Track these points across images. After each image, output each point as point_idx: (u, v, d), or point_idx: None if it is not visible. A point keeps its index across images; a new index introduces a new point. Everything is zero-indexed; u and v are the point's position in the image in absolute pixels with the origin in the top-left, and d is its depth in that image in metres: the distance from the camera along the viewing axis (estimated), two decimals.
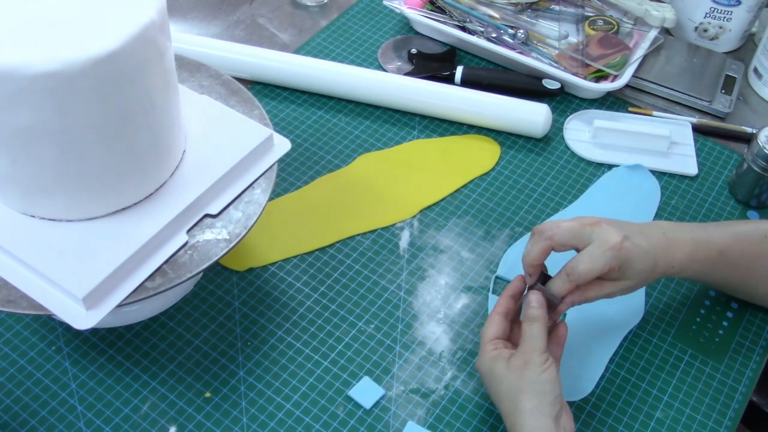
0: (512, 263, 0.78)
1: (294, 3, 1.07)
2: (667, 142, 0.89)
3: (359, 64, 0.97)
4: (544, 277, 0.66)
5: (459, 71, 0.94)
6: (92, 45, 0.52)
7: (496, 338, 0.64)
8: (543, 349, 0.61)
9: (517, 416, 0.59)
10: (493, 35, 0.97)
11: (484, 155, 0.89)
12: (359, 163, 0.86)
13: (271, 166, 0.68)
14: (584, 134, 0.91)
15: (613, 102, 0.96)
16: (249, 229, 0.64)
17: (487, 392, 0.64)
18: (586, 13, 1.04)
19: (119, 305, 0.58)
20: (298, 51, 0.99)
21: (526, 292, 0.66)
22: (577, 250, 0.64)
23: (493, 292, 0.75)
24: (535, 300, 0.63)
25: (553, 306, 0.65)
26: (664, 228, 0.67)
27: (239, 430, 0.65)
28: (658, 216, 0.84)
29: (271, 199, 0.67)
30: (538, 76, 0.94)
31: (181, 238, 0.62)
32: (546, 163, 0.88)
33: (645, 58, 0.99)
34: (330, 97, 0.93)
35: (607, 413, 0.68)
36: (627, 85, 0.95)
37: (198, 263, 0.61)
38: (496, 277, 0.77)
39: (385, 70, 0.96)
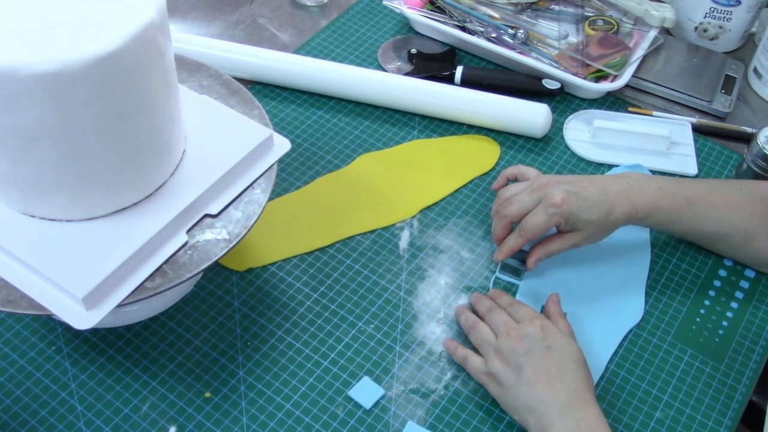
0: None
1: (294, 3, 1.07)
2: (667, 142, 0.89)
3: (359, 64, 0.97)
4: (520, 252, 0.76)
5: (459, 71, 0.94)
6: (92, 45, 0.52)
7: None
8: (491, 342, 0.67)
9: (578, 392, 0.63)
10: (493, 35, 0.97)
11: (484, 155, 0.89)
12: (359, 163, 0.86)
13: (271, 166, 0.68)
14: (584, 134, 0.91)
15: (613, 102, 0.96)
16: (249, 229, 0.64)
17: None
18: (586, 13, 1.04)
19: (119, 305, 0.58)
20: (298, 51, 0.99)
21: (499, 267, 0.77)
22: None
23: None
24: (459, 313, 0.72)
25: (521, 272, 0.76)
26: (630, 177, 0.73)
27: (239, 430, 0.65)
28: None
29: (271, 199, 0.67)
30: (538, 76, 0.94)
31: (181, 238, 0.62)
32: (546, 163, 0.88)
33: (645, 58, 0.99)
34: (330, 97, 0.93)
35: (607, 413, 0.68)
36: (627, 85, 0.95)
37: (198, 263, 0.61)
38: (496, 277, 0.77)
39: (385, 70, 0.96)
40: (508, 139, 0.91)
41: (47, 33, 0.52)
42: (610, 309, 0.74)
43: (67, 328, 0.70)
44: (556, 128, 0.92)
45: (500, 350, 0.64)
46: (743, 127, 0.94)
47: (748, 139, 0.92)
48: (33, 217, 0.61)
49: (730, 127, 0.94)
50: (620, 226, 0.72)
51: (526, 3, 1.02)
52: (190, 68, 0.76)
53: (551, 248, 0.73)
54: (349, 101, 0.93)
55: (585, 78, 0.93)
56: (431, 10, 1.01)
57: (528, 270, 0.75)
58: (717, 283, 0.78)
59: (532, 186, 0.73)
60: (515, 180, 0.78)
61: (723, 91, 0.97)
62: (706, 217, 0.72)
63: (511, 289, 0.76)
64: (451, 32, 0.97)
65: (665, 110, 0.96)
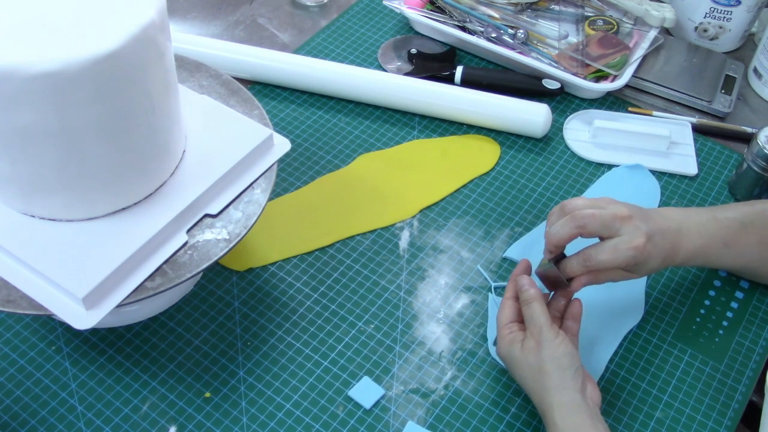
0: (523, 249, 0.79)
1: (294, 3, 1.07)
2: (667, 142, 0.89)
3: (359, 64, 0.97)
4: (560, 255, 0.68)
5: (459, 71, 0.94)
6: (92, 45, 0.52)
7: (511, 322, 0.66)
8: (549, 324, 0.63)
9: (543, 395, 0.61)
10: (493, 35, 0.97)
11: (484, 155, 0.89)
12: (359, 163, 0.86)
13: (271, 166, 0.68)
14: (584, 134, 0.91)
15: (613, 102, 0.96)
16: (249, 229, 0.64)
17: (512, 376, 0.66)
18: (586, 13, 1.04)
19: (119, 305, 0.58)
20: (298, 51, 0.99)
21: (535, 269, 0.68)
22: (601, 238, 0.66)
23: (494, 292, 0.75)
24: (525, 282, 0.65)
25: (562, 284, 0.67)
26: (678, 221, 0.68)
27: (239, 430, 0.65)
28: None
29: (271, 199, 0.67)
30: (538, 76, 0.94)
31: (181, 238, 0.62)
32: (546, 163, 0.88)
33: (645, 58, 0.99)
34: (330, 97, 0.93)
35: (607, 413, 0.68)
36: (627, 85, 0.95)
37: (198, 263, 0.61)
38: (503, 258, 0.78)
39: (385, 70, 0.96)
40: (508, 139, 0.91)
41: (47, 33, 0.52)
42: (610, 309, 0.74)
43: (67, 328, 0.70)
44: (556, 128, 0.92)
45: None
46: (743, 127, 0.94)
47: (748, 139, 0.92)
48: (33, 217, 0.61)
49: (730, 127, 0.94)
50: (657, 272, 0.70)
51: (526, 3, 1.02)
52: (190, 68, 0.76)
53: (600, 279, 0.67)
54: (349, 101, 0.93)
55: (585, 78, 0.93)
56: (431, 10, 1.01)
57: (572, 290, 0.67)
58: (717, 283, 0.78)
59: (614, 211, 0.65)
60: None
61: (723, 91, 0.97)
62: (741, 256, 0.72)
63: None
64: (451, 32, 0.97)
65: (665, 110, 0.96)
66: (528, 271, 0.69)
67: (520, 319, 0.66)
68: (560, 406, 0.59)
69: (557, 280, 0.67)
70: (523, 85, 0.94)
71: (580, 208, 0.65)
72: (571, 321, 0.66)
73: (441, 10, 1.01)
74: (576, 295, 0.74)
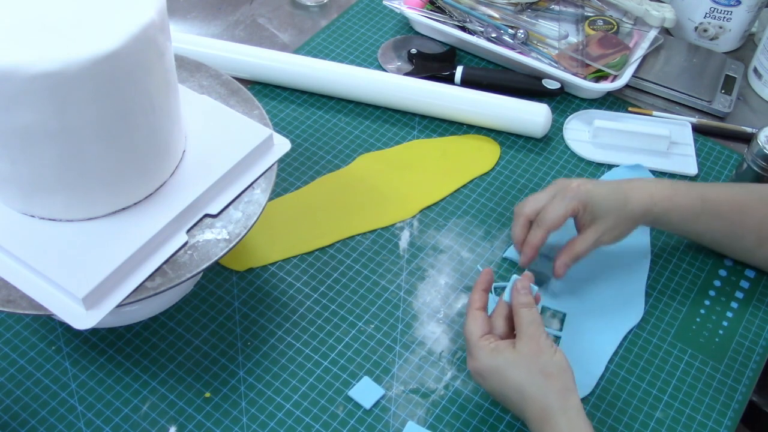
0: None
1: (294, 3, 1.07)
2: (667, 142, 0.89)
3: (359, 64, 0.97)
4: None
5: (459, 71, 0.94)
6: (92, 45, 0.52)
7: (486, 334, 0.63)
8: (544, 329, 0.62)
9: (546, 400, 0.58)
10: (493, 35, 0.97)
11: (484, 155, 0.89)
12: (359, 163, 0.86)
13: (271, 166, 0.68)
14: (584, 134, 0.91)
15: (613, 102, 0.96)
16: (249, 229, 0.64)
17: (491, 387, 0.61)
18: (586, 13, 1.04)
19: (119, 305, 0.58)
20: (298, 51, 0.99)
21: (511, 281, 0.66)
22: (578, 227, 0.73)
23: (494, 293, 0.75)
24: (522, 286, 0.64)
25: (545, 281, 0.73)
26: (643, 178, 0.73)
27: (239, 430, 0.65)
28: None
29: (271, 199, 0.67)
30: (538, 76, 0.94)
31: (181, 238, 0.62)
32: (546, 163, 0.88)
33: (645, 58, 0.99)
34: (330, 97, 0.93)
35: (607, 413, 0.68)
36: (627, 85, 0.95)
37: (198, 263, 0.61)
38: (503, 258, 0.78)
39: (385, 70, 0.96)
40: (508, 139, 0.91)
41: (47, 33, 0.52)
42: (610, 309, 0.74)
43: (67, 328, 0.70)
44: (556, 128, 0.92)
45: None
46: (743, 127, 0.94)
47: (748, 139, 0.92)
48: (33, 217, 0.61)
49: (730, 127, 0.94)
50: (639, 220, 0.71)
51: (526, 3, 1.02)
52: (190, 68, 0.76)
53: (576, 249, 0.71)
54: (349, 101, 0.93)
55: (585, 78, 0.93)
56: (431, 10, 1.01)
57: (557, 277, 0.72)
58: (717, 283, 0.78)
59: (547, 187, 0.73)
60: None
61: (723, 91, 0.97)
62: (720, 217, 0.72)
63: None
64: (451, 32, 0.97)
65: (665, 110, 0.96)
66: (492, 278, 0.67)
67: (489, 331, 0.63)
68: (566, 411, 0.58)
69: (543, 275, 0.75)
70: (523, 85, 0.94)
71: (524, 210, 0.73)
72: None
73: (441, 10, 1.01)
74: (577, 296, 0.75)
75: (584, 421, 0.58)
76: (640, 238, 0.81)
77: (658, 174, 0.88)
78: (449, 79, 0.94)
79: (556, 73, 0.93)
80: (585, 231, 0.71)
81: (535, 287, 0.65)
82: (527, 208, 0.72)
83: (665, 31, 1.05)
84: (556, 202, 0.70)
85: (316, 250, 0.78)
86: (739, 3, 1.00)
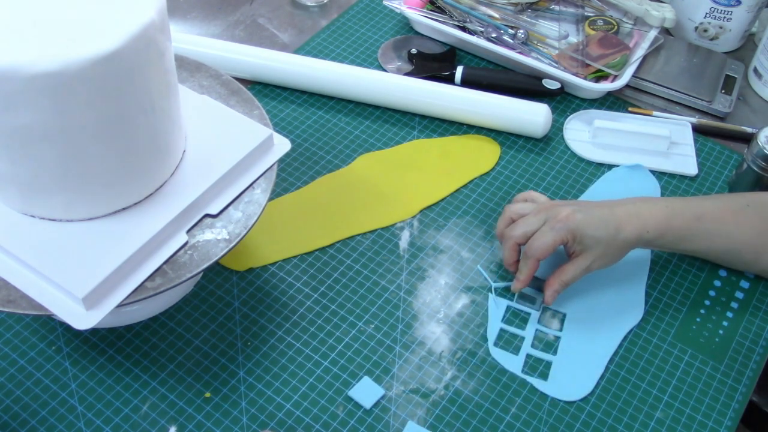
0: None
1: (294, 3, 1.07)
2: (667, 142, 0.89)
3: (359, 64, 0.97)
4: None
5: (459, 71, 0.94)
6: (92, 45, 0.52)
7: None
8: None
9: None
10: (493, 35, 0.97)
11: (484, 155, 0.89)
12: (359, 163, 0.86)
13: (271, 166, 0.68)
14: (584, 134, 0.91)
15: (613, 102, 0.96)
16: (249, 229, 0.64)
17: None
18: (586, 13, 1.04)
19: (119, 305, 0.58)
20: (298, 51, 0.99)
21: (516, 296, 0.74)
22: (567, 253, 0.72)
23: (494, 292, 0.75)
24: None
25: (537, 306, 0.74)
26: (636, 199, 0.72)
27: (239, 430, 0.65)
28: None
29: (271, 199, 0.67)
30: (538, 76, 0.94)
31: (181, 238, 0.62)
32: (546, 163, 0.88)
33: (645, 58, 0.99)
34: (330, 97, 0.93)
35: (607, 413, 0.68)
36: (627, 85, 0.95)
37: (198, 263, 0.61)
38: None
39: (385, 70, 0.96)
40: (508, 139, 0.91)
41: (47, 33, 0.52)
42: (610, 309, 0.74)
43: (67, 328, 0.70)
44: (556, 128, 0.92)
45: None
46: (743, 127, 0.94)
47: (748, 139, 0.92)
48: (33, 217, 0.61)
49: (730, 127, 0.94)
50: (632, 247, 0.71)
51: (526, 3, 1.02)
52: (190, 68, 0.76)
53: (565, 277, 0.71)
54: (349, 101, 0.93)
55: (585, 78, 0.93)
56: (431, 10, 1.01)
57: (547, 304, 0.73)
58: (717, 283, 0.78)
59: (538, 208, 0.72)
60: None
61: (723, 91, 0.97)
62: (716, 234, 0.72)
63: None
64: (451, 32, 0.97)
65: (665, 110, 0.96)
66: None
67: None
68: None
69: (534, 296, 0.75)
70: (523, 85, 0.94)
71: (507, 220, 0.74)
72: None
73: (441, 10, 1.01)
74: (577, 296, 0.75)
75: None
76: None
77: (658, 174, 0.88)
78: (449, 79, 0.94)
79: (556, 73, 0.93)
80: (575, 259, 0.71)
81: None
82: (517, 233, 0.71)
83: (665, 31, 1.05)
84: (545, 231, 0.69)
85: (316, 250, 0.78)
86: (739, 3, 1.00)
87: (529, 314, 0.74)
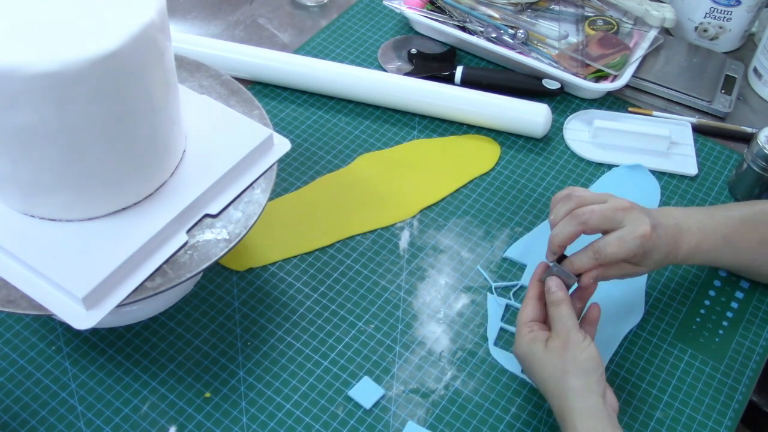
0: (523, 249, 0.79)
1: (294, 3, 1.07)
2: (667, 142, 0.89)
3: (359, 64, 0.97)
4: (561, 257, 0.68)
5: (459, 71, 0.94)
6: (92, 45, 0.52)
7: (532, 321, 0.65)
8: (577, 327, 0.62)
9: (565, 397, 0.59)
10: (493, 35, 0.97)
11: (484, 155, 0.89)
12: (359, 163, 0.86)
13: (271, 166, 0.68)
14: (584, 134, 0.91)
15: (613, 102, 0.96)
16: (249, 229, 0.64)
17: (528, 375, 0.65)
18: (586, 13, 1.04)
19: (119, 305, 0.58)
20: (298, 51, 0.99)
21: (545, 275, 0.67)
22: (604, 233, 0.66)
23: (495, 292, 0.75)
24: (553, 284, 0.65)
25: (569, 283, 0.66)
26: (676, 218, 0.69)
27: (239, 430, 0.65)
28: None
29: (271, 199, 0.67)
30: (538, 76, 0.94)
31: (181, 238, 0.62)
32: (546, 163, 0.88)
33: (645, 58, 0.99)
34: (330, 97, 0.93)
35: None
36: (627, 85, 0.95)
37: (198, 263, 0.61)
38: (503, 258, 0.77)
39: (385, 70, 0.96)
40: (508, 139, 0.91)
41: (47, 33, 0.52)
42: (610, 309, 0.74)
43: (67, 328, 0.70)
44: (556, 128, 0.92)
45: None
46: (743, 127, 0.94)
47: (748, 139, 0.92)
48: (33, 217, 0.61)
49: (730, 127, 0.94)
50: (660, 267, 0.70)
51: (526, 3, 1.02)
52: (190, 68, 0.76)
53: (609, 274, 0.67)
54: (349, 101, 0.93)
55: (585, 78, 0.93)
56: (431, 10, 1.01)
57: (582, 285, 0.67)
58: (717, 283, 0.78)
59: (615, 204, 0.65)
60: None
61: (723, 91, 0.97)
62: (741, 253, 0.72)
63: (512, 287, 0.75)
64: (451, 32, 0.97)
65: (665, 110, 0.96)
66: (544, 272, 0.67)
67: (541, 319, 0.66)
68: (582, 410, 0.58)
69: (565, 280, 0.66)
70: (523, 85, 0.94)
71: (583, 202, 0.66)
72: (588, 325, 0.66)
73: (441, 10, 1.01)
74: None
75: (603, 422, 0.58)
76: None
77: (658, 174, 0.88)
78: (449, 79, 0.94)
79: (556, 73, 0.93)
80: (626, 265, 0.67)
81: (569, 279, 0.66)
82: (593, 223, 0.65)
83: (665, 31, 1.05)
84: (626, 241, 0.64)
85: (316, 250, 0.78)
86: (739, 3, 1.00)
87: None
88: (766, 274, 0.76)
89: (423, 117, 0.92)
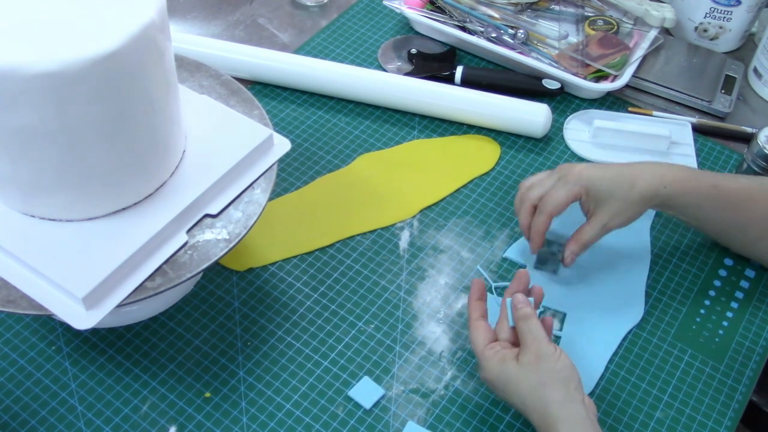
0: (523, 249, 0.79)
1: (294, 3, 1.07)
2: (667, 142, 0.89)
3: (359, 64, 0.97)
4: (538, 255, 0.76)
5: (459, 71, 0.94)
6: (92, 45, 0.52)
7: (491, 342, 0.64)
8: (546, 339, 0.62)
9: (547, 410, 0.59)
10: (493, 35, 0.97)
11: (484, 155, 0.89)
12: (359, 163, 0.86)
13: (271, 166, 0.68)
14: (584, 134, 0.91)
15: (613, 102, 0.96)
16: (249, 229, 0.64)
17: (503, 398, 0.62)
18: (586, 13, 1.04)
19: (119, 305, 0.58)
20: (298, 51, 0.99)
21: (535, 261, 0.75)
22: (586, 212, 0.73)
23: (495, 292, 0.75)
24: (520, 300, 0.64)
25: (555, 270, 0.75)
26: (654, 162, 0.72)
27: (239, 430, 0.65)
28: (658, 217, 0.84)
29: (271, 199, 0.67)
30: (538, 76, 0.94)
31: (181, 238, 0.62)
32: (546, 163, 0.88)
33: (645, 58, 0.99)
34: (330, 97, 0.93)
35: (607, 413, 0.68)
36: (627, 85, 0.95)
37: (198, 263, 0.61)
38: (503, 258, 0.78)
39: (385, 70, 0.96)
40: (508, 139, 0.91)
41: (47, 33, 0.52)
42: (610, 309, 0.74)
43: (67, 328, 0.70)
44: (556, 128, 0.92)
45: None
46: (743, 127, 0.94)
47: (748, 139, 0.92)
48: (33, 217, 0.61)
49: (730, 127, 0.94)
50: (647, 203, 0.70)
51: (526, 3, 1.02)
52: (190, 68, 0.76)
53: (583, 237, 0.71)
54: (349, 101, 0.93)
55: (585, 78, 0.93)
56: (431, 10, 1.01)
57: (566, 266, 0.73)
58: (717, 283, 0.78)
59: (551, 171, 0.73)
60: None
61: (723, 91, 0.97)
62: (728, 206, 0.72)
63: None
64: (451, 32, 0.97)
65: (665, 110, 0.96)
66: (484, 287, 0.68)
67: (494, 338, 0.64)
68: (567, 420, 0.58)
69: (553, 263, 0.76)
70: (523, 85, 0.94)
71: (525, 189, 0.73)
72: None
73: (441, 10, 1.01)
74: (577, 297, 0.75)
75: (587, 429, 0.58)
76: (641, 237, 0.81)
77: None
78: (449, 79, 0.94)
79: (556, 73, 0.93)
80: (591, 218, 0.71)
81: (532, 298, 0.66)
82: (533, 194, 0.72)
83: (665, 31, 1.05)
84: (558, 187, 0.70)
85: (316, 250, 0.78)
86: (739, 3, 1.00)
87: None
88: (751, 239, 0.74)
89: (423, 117, 0.92)
